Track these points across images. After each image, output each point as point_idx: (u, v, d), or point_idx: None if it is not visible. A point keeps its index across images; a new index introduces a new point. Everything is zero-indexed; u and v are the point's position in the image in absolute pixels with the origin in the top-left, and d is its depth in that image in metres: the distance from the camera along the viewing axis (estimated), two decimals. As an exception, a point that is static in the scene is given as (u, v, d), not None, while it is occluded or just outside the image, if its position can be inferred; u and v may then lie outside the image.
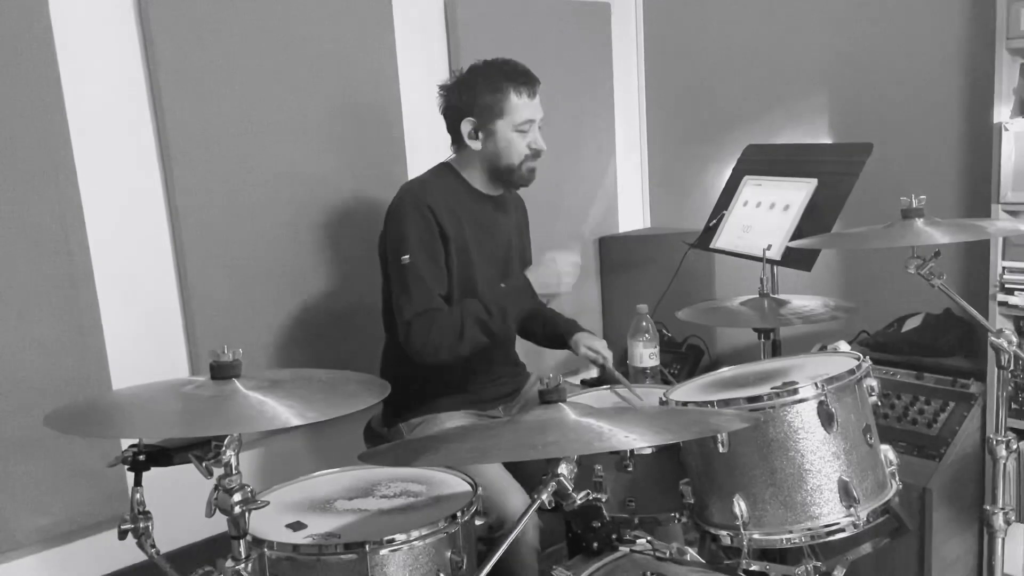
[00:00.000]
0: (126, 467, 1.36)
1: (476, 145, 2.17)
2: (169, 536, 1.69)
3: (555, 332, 2.42)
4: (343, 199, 2.67)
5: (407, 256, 2.09)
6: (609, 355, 2.31)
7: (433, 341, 2.06)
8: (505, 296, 2.11)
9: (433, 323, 2.06)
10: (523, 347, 2.47)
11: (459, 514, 1.52)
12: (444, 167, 2.28)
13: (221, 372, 1.33)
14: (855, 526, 1.55)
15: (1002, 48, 2.29)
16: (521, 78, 2.15)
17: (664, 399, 1.68)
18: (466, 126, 2.16)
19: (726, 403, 1.57)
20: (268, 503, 1.36)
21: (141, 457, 1.35)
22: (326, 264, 2.65)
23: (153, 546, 1.39)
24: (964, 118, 2.71)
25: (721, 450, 1.56)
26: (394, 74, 2.77)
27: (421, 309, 2.07)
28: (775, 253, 2.47)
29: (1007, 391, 2.09)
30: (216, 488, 1.26)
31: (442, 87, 2.23)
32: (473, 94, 2.14)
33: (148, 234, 2.34)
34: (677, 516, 1.73)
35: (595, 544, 1.73)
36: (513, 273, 2.32)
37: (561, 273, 2.13)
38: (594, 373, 3.44)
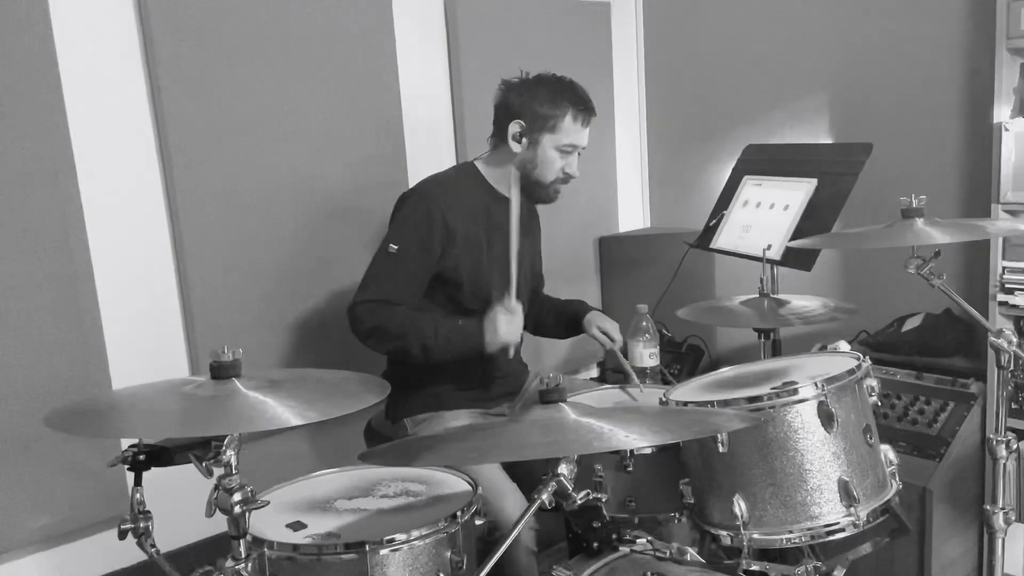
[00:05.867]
0: (126, 467, 1.35)
1: (517, 148, 2.17)
2: (169, 536, 1.69)
3: (568, 318, 2.42)
4: (343, 199, 2.67)
5: (396, 247, 2.10)
6: (619, 338, 2.31)
7: (374, 331, 2.08)
8: (455, 333, 2.10)
9: (384, 316, 2.08)
10: (524, 346, 2.47)
11: (459, 514, 1.52)
12: (468, 166, 2.29)
13: (221, 372, 1.33)
14: (855, 526, 1.55)
15: (1002, 48, 2.30)
16: (582, 104, 2.18)
17: (664, 399, 1.68)
18: (514, 127, 2.16)
19: (726, 403, 1.57)
20: (268, 503, 1.36)
21: (141, 457, 1.35)
22: (326, 264, 2.65)
23: (153, 546, 1.39)
24: (964, 118, 2.71)
25: (721, 450, 1.56)
26: (394, 74, 2.77)
27: (381, 298, 2.09)
28: (775, 253, 2.47)
29: (1007, 391, 2.09)
30: (216, 488, 1.26)
31: (505, 82, 2.22)
32: (532, 100, 2.15)
33: (148, 234, 2.34)
34: (677, 516, 1.73)
35: (595, 544, 1.73)
36: (523, 275, 2.33)
37: (498, 324, 2.09)
38: (594, 373, 3.45)
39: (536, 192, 2.23)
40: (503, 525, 1.89)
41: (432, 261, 2.14)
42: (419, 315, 2.11)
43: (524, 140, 2.17)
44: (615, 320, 2.38)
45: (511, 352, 2.14)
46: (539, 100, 2.15)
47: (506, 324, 2.07)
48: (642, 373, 2.40)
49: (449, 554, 1.49)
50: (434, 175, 2.26)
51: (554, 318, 2.46)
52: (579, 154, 2.22)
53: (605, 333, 2.33)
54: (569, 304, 2.45)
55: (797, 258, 2.47)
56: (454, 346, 2.09)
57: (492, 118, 2.23)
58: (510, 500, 1.95)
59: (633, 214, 3.66)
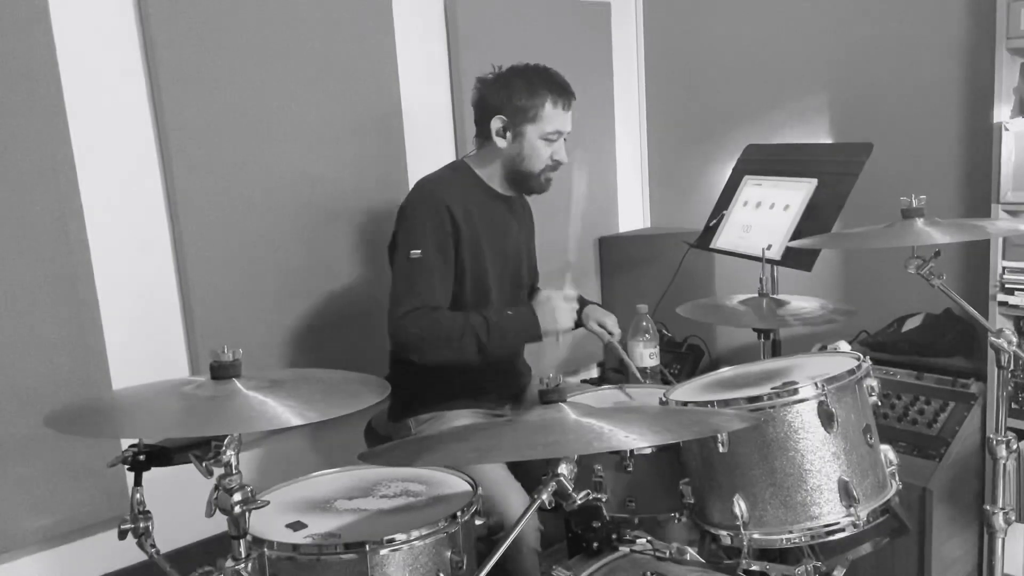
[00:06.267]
0: (126, 467, 1.36)
1: (502, 143, 2.18)
2: (169, 536, 1.69)
3: None
4: (343, 199, 2.67)
5: (418, 251, 2.08)
6: (617, 332, 2.32)
7: (425, 338, 2.05)
8: (509, 323, 2.08)
9: (432, 321, 2.05)
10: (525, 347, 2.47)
11: (459, 514, 1.52)
12: (460, 164, 2.29)
13: (221, 372, 1.33)
14: (855, 526, 1.55)
15: (1002, 48, 2.29)
16: (559, 89, 2.17)
17: (664, 399, 1.69)
18: (496, 123, 2.16)
19: (726, 403, 1.57)
20: (268, 503, 1.36)
21: (141, 457, 1.35)
22: (326, 263, 2.65)
23: (153, 546, 1.39)
24: (964, 118, 2.71)
25: (721, 450, 1.56)
26: (394, 74, 2.77)
27: (422, 304, 2.06)
28: (775, 253, 2.47)
29: (1007, 391, 2.09)
30: (216, 488, 1.26)
31: (480, 79, 2.22)
32: (510, 93, 2.15)
33: (148, 234, 2.34)
34: (677, 516, 1.73)
35: (595, 544, 1.74)
36: (521, 272, 2.33)
37: (557, 312, 2.08)
38: (594, 373, 3.45)
39: (527, 183, 2.23)
40: (508, 524, 1.89)
41: (452, 256, 2.13)
42: (466, 314, 2.09)
43: (508, 134, 2.17)
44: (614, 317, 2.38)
45: (560, 339, 2.12)
46: (516, 92, 2.15)
47: (564, 311, 2.08)
48: (642, 373, 2.41)
49: (449, 554, 1.49)
50: (430, 175, 2.26)
51: None
52: (565, 139, 2.22)
53: (603, 327, 2.33)
54: None
55: (797, 258, 2.47)
56: (508, 339, 2.09)
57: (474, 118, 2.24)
58: (514, 500, 1.95)
59: (633, 214, 3.66)
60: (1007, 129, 2.31)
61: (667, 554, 1.67)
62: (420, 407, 2.24)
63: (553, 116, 2.16)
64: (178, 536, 2.22)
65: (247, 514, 1.26)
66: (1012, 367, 1.79)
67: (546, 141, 2.17)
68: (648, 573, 1.61)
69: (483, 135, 2.22)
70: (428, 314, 2.06)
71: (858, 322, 2.83)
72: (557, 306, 2.08)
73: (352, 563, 1.43)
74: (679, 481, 1.68)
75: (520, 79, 2.16)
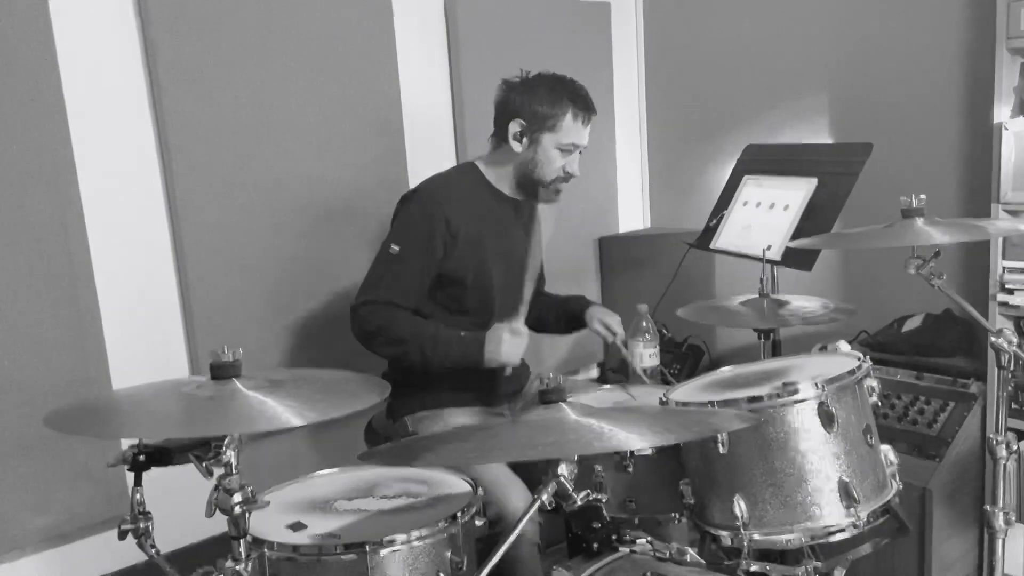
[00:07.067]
0: (126, 467, 1.36)
1: (517, 147, 2.18)
2: (169, 536, 1.69)
3: (569, 314, 2.43)
4: (343, 199, 2.67)
5: (397, 248, 2.10)
6: (620, 332, 2.32)
7: (375, 333, 2.08)
8: (456, 344, 2.09)
9: (386, 319, 2.07)
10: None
11: (459, 514, 1.51)
12: (469, 166, 2.30)
13: (221, 372, 1.33)
14: (855, 526, 1.55)
15: (1002, 48, 2.29)
16: (582, 103, 2.18)
17: (664, 399, 1.68)
18: (514, 126, 2.16)
19: (726, 403, 1.57)
20: (268, 503, 1.36)
21: (141, 457, 1.35)
22: (326, 264, 2.65)
23: (153, 546, 1.39)
24: (964, 118, 2.70)
25: (721, 450, 1.56)
26: (394, 74, 2.77)
27: (383, 300, 2.08)
28: (775, 253, 2.47)
29: (1007, 391, 2.08)
30: (216, 488, 1.26)
31: (506, 81, 2.22)
32: (532, 99, 2.15)
33: (148, 234, 2.34)
34: (677, 516, 1.73)
35: (595, 544, 1.74)
36: (525, 273, 2.33)
37: (502, 344, 2.06)
38: (594, 373, 3.45)
39: (535, 191, 2.24)
40: (508, 517, 1.89)
41: (434, 262, 2.14)
42: (422, 322, 2.11)
43: (524, 139, 2.17)
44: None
45: (508, 371, 2.13)
46: (539, 99, 2.15)
47: (509, 344, 2.07)
48: (642, 373, 2.40)
49: (449, 554, 1.49)
50: (435, 175, 2.26)
51: (555, 315, 2.47)
52: (580, 153, 2.22)
53: (607, 327, 2.34)
54: (569, 300, 2.47)
55: (797, 258, 2.47)
56: (452, 358, 2.09)
57: (492, 118, 2.23)
58: (515, 493, 1.95)
59: (633, 214, 3.66)
60: (1007, 129, 2.31)
61: (667, 555, 1.67)
62: (416, 405, 2.24)
63: (572, 128, 2.16)
64: (178, 536, 2.22)
65: (247, 514, 1.26)
66: (1012, 367, 1.79)
67: (561, 152, 2.18)
68: (648, 574, 1.61)
69: (499, 136, 2.22)
70: (385, 310, 2.08)
71: (858, 322, 2.83)
72: (503, 337, 2.06)
73: (352, 563, 1.43)
74: (679, 481, 1.68)
75: (544, 87, 2.17)
